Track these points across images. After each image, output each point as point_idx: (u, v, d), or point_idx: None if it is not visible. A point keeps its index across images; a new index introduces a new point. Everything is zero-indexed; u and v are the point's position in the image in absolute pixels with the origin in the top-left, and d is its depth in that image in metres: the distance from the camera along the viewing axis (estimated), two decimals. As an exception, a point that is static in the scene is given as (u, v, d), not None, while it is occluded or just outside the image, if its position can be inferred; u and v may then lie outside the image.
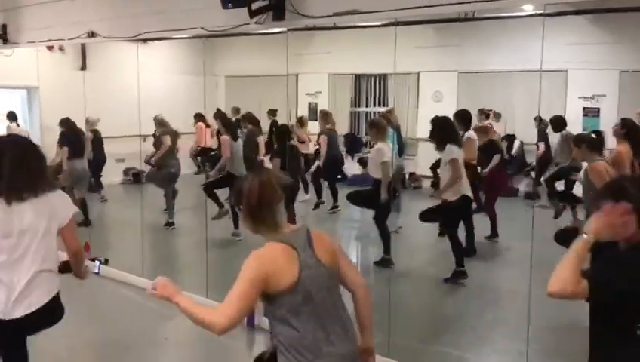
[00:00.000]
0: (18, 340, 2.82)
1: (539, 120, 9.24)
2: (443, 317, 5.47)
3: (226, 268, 6.73)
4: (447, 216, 5.96)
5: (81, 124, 8.81)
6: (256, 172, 2.47)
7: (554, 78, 10.05)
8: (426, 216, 6.11)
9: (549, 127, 8.62)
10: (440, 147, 5.97)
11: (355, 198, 6.77)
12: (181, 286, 5.74)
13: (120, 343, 4.56)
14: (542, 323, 4.71)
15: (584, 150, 5.27)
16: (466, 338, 4.86)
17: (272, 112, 11.39)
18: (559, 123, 8.31)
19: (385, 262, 6.26)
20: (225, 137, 7.58)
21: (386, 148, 6.38)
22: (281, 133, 7.63)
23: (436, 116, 6.36)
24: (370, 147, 9.47)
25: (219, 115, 8.85)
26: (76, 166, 8.19)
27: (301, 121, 10.37)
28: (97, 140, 9.55)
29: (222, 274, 6.31)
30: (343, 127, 12.33)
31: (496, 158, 7.31)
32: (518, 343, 4.16)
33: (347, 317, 2.37)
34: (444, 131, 6.04)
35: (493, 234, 7.26)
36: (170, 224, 8.21)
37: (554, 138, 8.62)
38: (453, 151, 5.82)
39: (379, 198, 6.18)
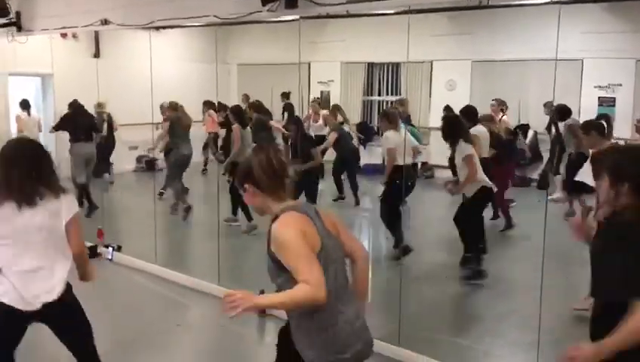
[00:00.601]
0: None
1: (550, 106, 9.20)
2: (454, 307, 5.46)
3: (238, 255, 6.79)
4: (471, 210, 5.89)
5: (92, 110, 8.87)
6: (258, 149, 2.43)
7: (569, 68, 9.93)
8: (464, 220, 5.88)
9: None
10: (452, 144, 5.86)
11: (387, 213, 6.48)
12: (193, 273, 5.79)
13: (133, 329, 4.61)
14: (554, 314, 4.70)
15: (594, 136, 5.22)
16: (477, 328, 4.86)
17: (286, 95, 11.41)
18: (564, 112, 8.19)
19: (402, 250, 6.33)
20: (236, 125, 7.54)
21: (392, 136, 6.34)
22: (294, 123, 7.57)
23: (445, 115, 6.27)
24: (381, 135, 9.44)
25: (225, 109, 8.80)
26: (80, 150, 8.16)
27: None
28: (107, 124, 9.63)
29: (234, 261, 6.37)
30: (355, 116, 12.30)
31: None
32: (530, 334, 4.15)
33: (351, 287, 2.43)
34: (453, 128, 5.93)
35: (508, 225, 7.25)
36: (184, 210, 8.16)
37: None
38: (466, 148, 5.75)
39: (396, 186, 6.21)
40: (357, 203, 8.84)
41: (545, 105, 9.38)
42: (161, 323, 4.80)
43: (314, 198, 7.07)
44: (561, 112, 8.22)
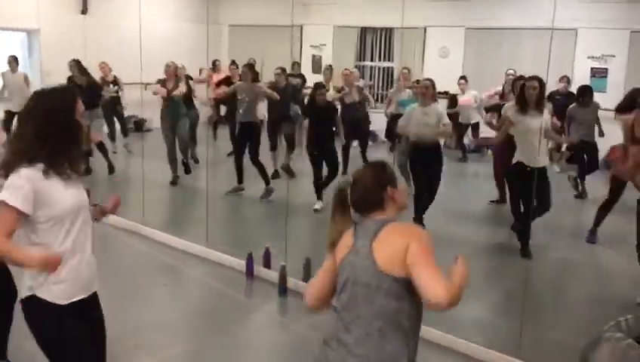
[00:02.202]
0: None
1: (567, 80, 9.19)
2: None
3: (227, 218, 6.79)
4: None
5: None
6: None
7: (563, 37, 9.87)
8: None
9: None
10: (539, 111, 5.40)
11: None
12: (183, 235, 5.76)
13: (118, 289, 4.61)
14: (541, 286, 4.78)
15: None
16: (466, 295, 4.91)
17: (297, 65, 11.05)
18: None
19: None
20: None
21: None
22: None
23: (536, 77, 5.52)
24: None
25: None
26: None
27: None
28: None
29: (222, 223, 6.37)
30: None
31: None
32: (515, 302, 4.21)
33: (376, 336, 1.92)
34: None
35: (502, 200, 7.07)
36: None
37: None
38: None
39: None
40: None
41: (561, 79, 9.25)
42: (148, 282, 4.81)
43: (337, 168, 7.02)
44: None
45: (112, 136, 9.59)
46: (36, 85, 10.09)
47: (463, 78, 10.08)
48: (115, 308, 4.24)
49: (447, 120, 6.12)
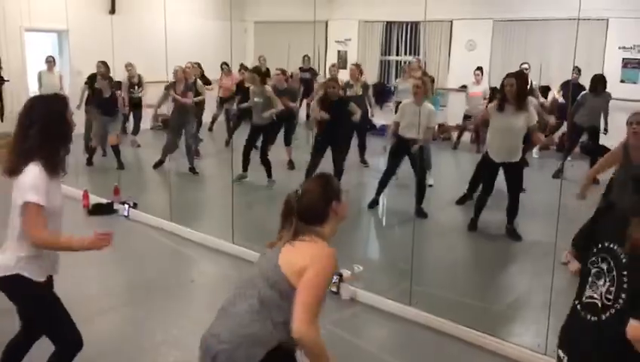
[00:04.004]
0: None
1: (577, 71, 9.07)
2: (467, 267, 5.46)
3: (252, 213, 6.83)
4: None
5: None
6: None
7: (593, 27, 9.66)
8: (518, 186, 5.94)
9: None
10: (522, 107, 5.45)
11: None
12: (208, 231, 5.81)
13: (148, 284, 4.68)
14: (567, 275, 4.68)
15: None
16: (490, 289, 4.86)
17: (307, 59, 11.21)
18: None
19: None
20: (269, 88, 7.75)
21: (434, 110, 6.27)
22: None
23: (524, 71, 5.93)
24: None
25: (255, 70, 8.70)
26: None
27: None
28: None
29: (247, 219, 6.40)
30: (372, 76, 12.15)
31: None
32: (542, 295, 4.14)
33: (240, 319, 2.07)
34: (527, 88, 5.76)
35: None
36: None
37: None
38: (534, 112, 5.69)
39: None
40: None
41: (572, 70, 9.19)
42: (176, 278, 4.86)
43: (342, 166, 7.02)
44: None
45: (135, 130, 10.01)
46: (67, 85, 10.31)
47: (479, 68, 10.04)
48: (141, 305, 4.33)
49: (433, 123, 6.17)
